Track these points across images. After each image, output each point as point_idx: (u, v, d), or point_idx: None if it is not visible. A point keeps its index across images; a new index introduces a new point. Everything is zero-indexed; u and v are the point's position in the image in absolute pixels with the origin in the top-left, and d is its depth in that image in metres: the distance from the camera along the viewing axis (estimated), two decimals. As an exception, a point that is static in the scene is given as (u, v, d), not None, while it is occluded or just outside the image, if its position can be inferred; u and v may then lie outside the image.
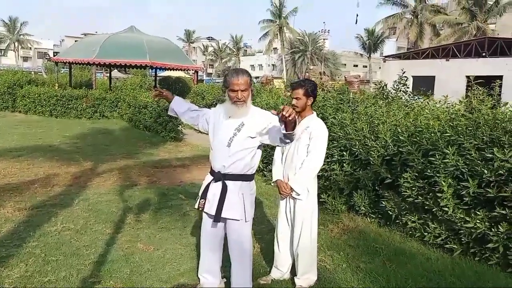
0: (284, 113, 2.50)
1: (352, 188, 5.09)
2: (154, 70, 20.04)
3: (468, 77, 21.07)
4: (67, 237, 4.31)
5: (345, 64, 68.05)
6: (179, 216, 5.10)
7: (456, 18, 35.99)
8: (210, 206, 3.03)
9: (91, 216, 4.98)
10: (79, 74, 25.27)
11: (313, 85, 3.44)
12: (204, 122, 3.20)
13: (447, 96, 5.77)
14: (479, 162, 3.62)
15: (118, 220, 4.90)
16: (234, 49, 77.78)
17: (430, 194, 4.09)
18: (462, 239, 3.89)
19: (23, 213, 4.97)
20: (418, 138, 4.12)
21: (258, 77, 60.85)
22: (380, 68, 58.69)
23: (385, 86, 6.96)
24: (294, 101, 3.40)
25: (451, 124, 3.93)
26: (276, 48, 69.54)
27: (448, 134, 3.83)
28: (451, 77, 19.91)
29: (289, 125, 2.60)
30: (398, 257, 3.96)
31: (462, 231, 3.86)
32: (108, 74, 20.88)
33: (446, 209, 3.89)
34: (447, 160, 3.77)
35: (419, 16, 40.40)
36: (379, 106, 5.40)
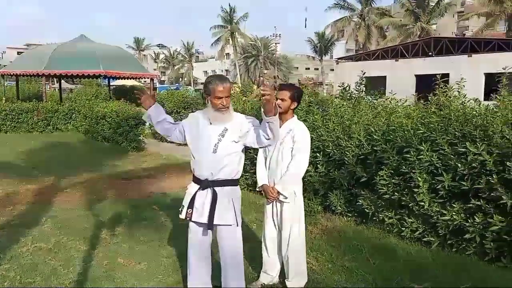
0: (262, 90, 2.65)
1: (327, 188, 5.18)
2: (106, 79, 19.52)
3: (417, 75, 22.02)
4: (41, 257, 4.10)
5: (297, 67, 69.21)
6: (155, 228, 4.98)
7: (400, 20, 37.55)
8: (199, 215, 2.99)
9: (62, 233, 4.76)
10: (26, 87, 24.21)
11: (300, 92, 3.52)
12: (178, 133, 3.16)
13: (394, 94, 6.07)
14: (452, 156, 3.79)
15: (92, 235, 4.72)
16: (186, 56, 77.13)
17: (406, 190, 4.23)
18: (439, 232, 4.04)
19: (-12, 235, 4.69)
20: (392, 136, 4.25)
21: (211, 83, 60.61)
22: (331, 70, 60.28)
23: (348, 87, 7.12)
24: (279, 101, 3.40)
25: (423, 122, 4.09)
26: (228, 53, 69.72)
27: (421, 131, 3.98)
28: (402, 76, 20.68)
29: (269, 109, 2.68)
30: (379, 253, 4.05)
31: (438, 224, 4.01)
32: (54, 86, 20.12)
33: (422, 203, 4.03)
34: (422, 156, 3.91)
35: (366, 19, 41.78)
36: (348, 107, 5.52)
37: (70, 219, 5.31)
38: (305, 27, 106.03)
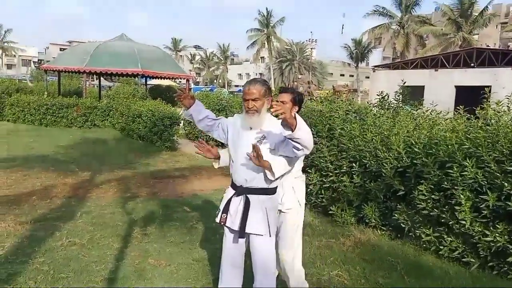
0: (272, 110, 2.55)
1: (362, 200, 5.04)
2: (144, 78, 19.89)
3: (457, 87, 21.39)
4: (74, 252, 4.16)
5: (331, 73, 68.76)
6: (186, 230, 4.98)
7: (442, 29, 36.63)
8: (233, 221, 2.94)
9: (96, 229, 4.84)
10: (68, 83, 24.95)
11: (302, 96, 3.40)
12: (220, 131, 3.12)
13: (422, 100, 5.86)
14: (498, 174, 3.61)
15: (124, 233, 4.76)
16: (221, 58, 77.88)
17: (446, 206, 4.07)
18: (480, 253, 3.86)
19: (25, 227, 4.81)
20: (434, 150, 4.09)
21: (245, 86, 60.94)
22: (366, 77, 59.46)
23: (387, 96, 6.95)
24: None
25: (468, 136, 3.92)
26: (263, 57, 69.91)
27: (466, 146, 3.81)
28: (440, 87, 20.13)
29: (290, 123, 2.55)
30: (415, 271, 3.91)
31: (480, 244, 3.83)
32: (93, 83, 20.62)
33: (464, 222, 3.86)
34: (466, 173, 3.74)
35: (405, 27, 41.00)
36: (387, 117, 5.38)
37: (104, 215, 5.39)
38: (342, 33, 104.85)
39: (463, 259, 4.00)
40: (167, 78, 19.78)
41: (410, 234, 4.53)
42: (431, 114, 5.64)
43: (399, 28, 41.51)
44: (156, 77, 18.85)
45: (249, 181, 2.88)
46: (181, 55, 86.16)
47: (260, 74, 72.96)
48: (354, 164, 5.01)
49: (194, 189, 7.11)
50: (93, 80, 40.62)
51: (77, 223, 5.04)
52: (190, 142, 12.76)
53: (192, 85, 62.63)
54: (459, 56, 21.96)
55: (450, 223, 4.03)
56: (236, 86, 68.72)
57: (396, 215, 4.61)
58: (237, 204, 2.93)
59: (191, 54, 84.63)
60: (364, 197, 5.01)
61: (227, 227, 2.99)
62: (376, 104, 6.79)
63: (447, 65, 22.01)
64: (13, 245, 4.27)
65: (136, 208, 5.80)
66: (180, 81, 33.20)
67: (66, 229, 4.82)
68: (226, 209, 2.97)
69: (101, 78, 22.13)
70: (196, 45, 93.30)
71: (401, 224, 4.57)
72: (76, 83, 25.29)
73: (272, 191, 2.95)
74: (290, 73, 62.82)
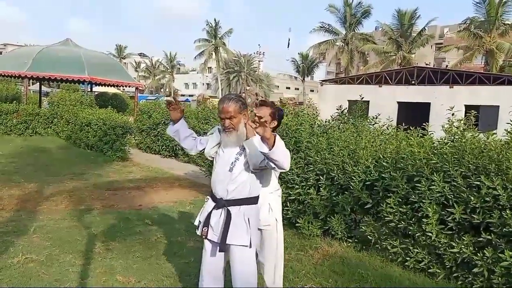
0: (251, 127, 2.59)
1: (328, 212, 5.11)
2: (88, 85, 19.12)
3: (399, 102, 22.42)
4: (33, 270, 3.87)
5: (278, 86, 69.90)
6: (151, 244, 4.80)
7: (383, 47, 38.43)
8: (214, 233, 2.88)
9: (54, 245, 4.54)
10: (4, 88, 23.54)
11: (281, 112, 3.35)
12: (200, 147, 3.06)
13: (378, 114, 6.15)
14: (464, 189, 3.78)
15: (85, 249, 4.50)
16: (167, 66, 76.90)
17: (413, 219, 4.20)
18: (446, 264, 4.01)
19: (-27, 243, 4.42)
20: (402, 164, 4.23)
21: (192, 95, 60.61)
22: (311, 91, 60.96)
23: (345, 110, 7.13)
24: (256, 119, 3.21)
25: (435, 152, 4.09)
26: (211, 67, 69.87)
27: (433, 161, 3.97)
28: (384, 102, 21.03)
29: (267, 136, 2.51)
30: (385, 283, 4.00)
31: (445, 255, 3.99)
32: (30, 88, 19.51)
33: (430, 234, 4.00)
34: (434, 187, 3.89)
35: (349, 44, 42.59)
36: (351, 131, 5.51)
37: (60, 229, 5.08)
38: (288, 47, 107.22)
39: (429, 270, 4.14)
40: (115, 86, 19.21)
41: (377, 246, 4.63)
42: (387, 128, 5.87)
43: (343, 44, 43.04)
44: (104, 84, 18.24)
45: (230, 192, 2.84)
46: (125, 63, 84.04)
47: (207, 84, 72.80)
48: (321, 177, 5.07)
49: (153, 201, 6.89)
50: (29, 86, 38.50)
51: (32, 239, 4.70)
52: (141, 152, 12.42)
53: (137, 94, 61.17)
54: (401, 73, 23.10)
55: (417, 235, 4.16)
56: (183, 95, 68.00)
57: (363, 227, 4.71)
58: (218, 216, 2.89)
59: (136, 62, 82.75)
60: (330, 209, 5.08)
61: (208, 239, 2.92)
62: (335, 118, 6.94)
63: (390, 82, 23.07)
64: (-38, 264, 3.91)
65: (94, 221, 5.51)
66: (123, 89, 32.25)
67: (20, 244, 4.48)
68: (207, 222, 2.90)
69: (38, 83, 21.08)
70: (141, 53, 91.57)
71: (368, 236, 4.67)
72: (14, 88, 23.92)
73: (253, 200, 2.91)
74: (238, 84, 63.18)
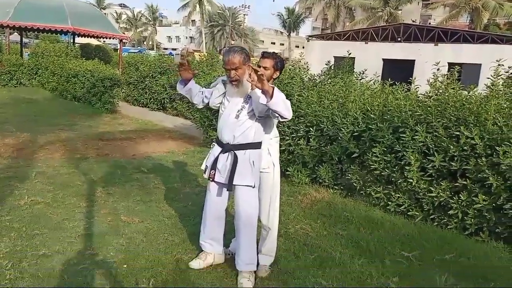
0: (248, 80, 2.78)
1: (317, 161, 5.41)
2: (70, 36, 18.67)
3: (384, 59, 22.47)
4: (42, 211, 4.11)
5: (263, 41, 68.95)
6: (149, 190, 5.05)
7: (370, 3, 38.05)
8: (221, 176, 3.13)
9: (57, 189, 4.76)
10: (-17, 37, 22.85)
11: (283, 61, 3.47)
12: (204, 98, 3.26)
13: (364, 70, 6.41)
14: (445, 138, 4.09)
15: (87, 193, 4.74)
16: (150, 19, 74.80)
17: (396, 167, 4.53)
18: (424, 207, 4.38)
19: (-22, 186, 4.61)
20: (389, 116, 4.51)
21: (175, 49, 59.55)
22: (296, 47, 60.40)
23: (333, 66, 7.32)
24: (261, 70, 3.18)
25: (420, 105, 4.36)
26: (194, 20, 68.29)
27: (418, 113, 4.25)
28: (370, 59, 21.14)
29: (266, 89, 2.72)
30: (369, 224, 4.35)
31: (424, 199, 4.35)
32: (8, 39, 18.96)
33: (411, 180, 4.34)
34: (417, 137, 4.19)
35: (336, -1, 42.03)
36: (341, 85, 5.73)
37: (61, 175, 5.29)
38: (273, 0, 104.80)
39: (408, 213, 4.51)
40: (99, 37, 18.84)
41: (361, 192, 4.97)
42: (373, 84, 6.13)
43: (330, -1, 42.45)
44: (87, 36, 17.89)
45: (236, 137, 3.06)
46: (105, 13, 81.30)
47: (191, 37, 71.37)
48: (311, 129, 5.33)
49: (146, 151, 7.09)
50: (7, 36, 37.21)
51: (34, 183, 4.91)
52: (128, 105, 12.46)
53: (119, 46, 59.78)
54: (387, 30, 23.14)
55: (399, 181, 4.50)
56: (165, 49, 66.69)
57: (349, 175, 5.03)
58: (225, 160, 3.12)
59: (116, 13, 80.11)
60: (319, 159, 5.38)
61: (214, 181, 3.17)
62: (324, 73, 7.13)
63: (376, 39, 23.13)
64: (-29, 205, 4.12)
65: (92, 168, 5.72)
66: (104, 41, 31.45)
67: (24, 188, 4.69)
68: (214, 166, 3.14)
69: (16, 33, 20.45)
70: (121, 4, 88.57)
71: (353, 184, 5.00)
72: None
73: (258, 145, 3.14)
74: (222, 38, 62.10)
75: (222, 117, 3.16)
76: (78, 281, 2.94)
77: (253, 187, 3.10)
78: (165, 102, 11.57)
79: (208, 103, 3.26)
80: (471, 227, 4.06)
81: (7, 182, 4.86)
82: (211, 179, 3.17)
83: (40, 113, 9.95)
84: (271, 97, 2.74)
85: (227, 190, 3.15)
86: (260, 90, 2.81)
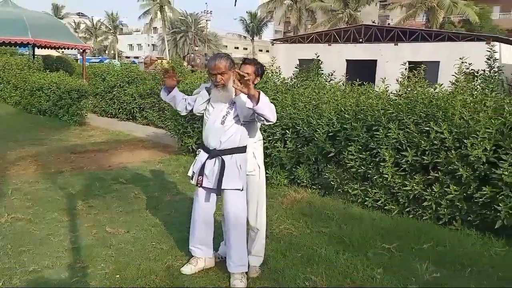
0: (234, 86, 2.85)
1: (294, 163, 5.55)
2: (30, 48, 18.18)
3: (347, 60, 23.00)
4: (24, 227, 4.06)
5: (226, 46, 69.07)
6: (130, 200, 5.05)
7: (331, 5, 38.85)
8: (209, 181, 3.21)
9: (36, 205, 4.69)
10: None
11: (263, 67, 3.60)
12: (187, 105, 3.34)
13: (333, 72, 6.73)
14: (416, 134, 4.31)
15: (68, 207, 4.70)
16: (110, 27, 73.56)
17: (372, 164, 4.72)
18: (400, 201, 4.59)
19: (-47, 207, 4.50)
20: (362, 115, 4.70)
21: (137, 57, 58.84)
22: (259, 50, 60.89)
23: (304, 69, 7.51)
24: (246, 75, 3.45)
25: (391, 103, 4.57)
26: (156, 27, 67.72)
27: (390, 111, 4.46)
28: (333, 61, 21.59)
29: (252, 94, 2.81)
30: (349, 220, 4.51)
31: (399, 193, 4.55)
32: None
33: (386, 176, 4.54)
34: (390, 134, 4.40)
35: (297, 1, 42.62)
36: (312, 88, 5.91)
37: (37, 191, 5.21)
38: (235, 5, 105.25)
39: (385, 207, 4.70)
40: (60, 48, 18.44)
41: (339, 190, 5.15)
42: (343, 85, 6.36)
43: (292, 2, 43.01)
44: (48, 47, 17.48)
45: (223, 142, 3.15)
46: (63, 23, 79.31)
47: (153, 45, 70.66)
48: (287, 131, 5.47)
49: (121, 162, 7.05)
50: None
51: (12, 200, 4.83)
52: (96, 116, 12.27)
53: (79, 56, 58.50)
54: (349, 32, 23.73)
55: (375, 177, 4.70)
56: (127, 57, 65.78)
57: (326, 174, 5.19)
58: (212, 165, 3.20)
59: (75, 22, 78.35)
60: (296, 160, 5.52)
61: (202, 187, 3.24)
62: (296, 76, 7.31)
63: (339, 40, 23.67)
64: (-51, 226, 4.02)
65: (68, 182, 5.66)
66: (63, 51, 30.67)
67: (1, 206, 4.61)
68: (201, 172, 3.21)
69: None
70: (79, 13, 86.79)
71: (331, 182, 5.17)
72: None
73: (243, 149, 3.24)
74: (185, 45, 61.89)
75: (207, 124, 3.23)
76: (73, 294, 2.94)
77: (241, 190, 3.19)
78: (135, 111, 11.47)
79: (192, 109, 3.33)
80: (445, 216, 4.29)
81: (-17, 200, 4.76)
82: (199, 185, 3.23)
83: (6, 128, 9.70)
84: (257, 101, 2.84)
85: (216, 195, 3.22)
86: (246, 95, 2.91)
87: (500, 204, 3.77)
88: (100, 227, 4.17)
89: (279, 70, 6.65)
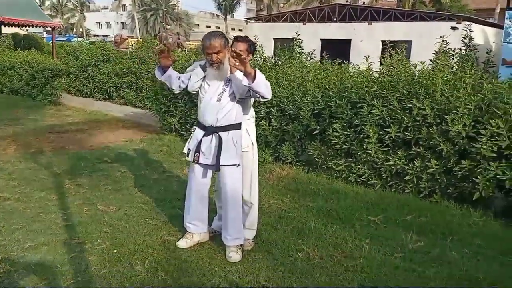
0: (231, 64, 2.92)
1: (279, 140, 5.66)
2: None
3: (322, 39, 22.97)
4: (13, 206, 4.04)
5: (198, 25, 67.95)
6: (117, 178, 5.06)
7: (304, -17, 38.65)
8: (205, 157, 3.27)
9: (22, 184, 4.65)
10: None
11: (254, 44, 3.67)
12: (181, 83, 3.37)
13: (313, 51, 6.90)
14: (399, 111, 4.47)
15: (55, 186, 4.68)
16: (77, 4, 71.09)
17: (356, 140, 4.87)
18: (383, 175, 4.77)
19: None
20: (347, 93, 4.82)
21: (106, 35, 57.25)
22: (232, 29, 60.23)
23: (285, 49, 7.58)
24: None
25: (375, 81, 4.71)
26: (125, 5, 65.92)
27: (374, 89, 4.59)
28: (309, 40, 21.64)
29: (248, 71, 2.91)
30: (334, 195, 4.67)
31: (382, 168, 4.73)
32: None
33: (370, 151, 4.71)
34: (374, 111, 4.54)
35: (270, -20, 42.28)
36: (296, 67, 5.98)
37: (22, 170, 5.15)
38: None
39: (369, 182, 4.88)
40: (29, 26, 17.83)
41: (323, 166, 5.29)
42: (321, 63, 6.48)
43: (264, -19, 42.61)
44: (16, 25, 16.88)
45: (219, 119, 3.20)
46: (27, 0, 76.13)
47: (123, 23, 68.81)
48: (272, 109, 5.55)
49: (102, 141, 7.00)
50: None
51: (-5, 180, 4.76)
52: (71, 96, 12.02)
53: (45, 35, 56.44)
54: (323, 11, 23.74)
55: (358, 153, 4.86)
56: (96, 35, 63.88)
57: (311, 151, 5.32)
58: (209, 142, 3.26)
59: (40, -1, 75.32)
60: (281, 138, 5.63)
61: (199, 164, 3.30)
62: (277, 55, 7.37)
63: (314, 19, 23.68)
64: None
65: (52, 162, 5.60)
66: (27, 30, 29.61)
67: (-14, 186, 4.55)
68: (198, 149, 3.26)
69: None
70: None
71: (315, 159, 5.30)
72: None
73: (239, 126, 3.31)
74: (156, 23, 60.51)
75: (203, 101, 3.27)
76: (74, 268, 2.98)
77: (237, 166, 3.27)
78: (111, 91, 11.31)
79: (186, 87, 3.36)
80: (425, 190, 4.50)
81: (-34, 181, 4.68)
82: (195, 162, 3.29)
83: (-23, 108, 9.41)
84: (254, 79, 2.90)
85: (215, 171, 3.28)
86: (242, 73, 2.97)
87: (478, 177, 3.99)
88: (91, 204, 4.18)
89: (262, 49, 6.67)
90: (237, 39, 3.51)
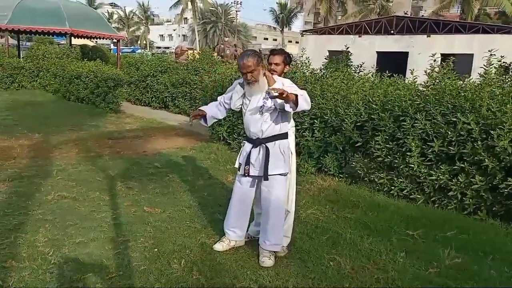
0: (275, 93, 3.01)
1: (322, 152, 5.72)
2: (68, 37, 18.82)
3: (378, 52, 22.70)
4: (69, 204, 4.40)
5: (255, 37, 69.15)
6: (165, 183, 5.34)
7: (362, -4, 38.33)
8: (255, 169, 3.41)
9: (79, 185, 5.04)
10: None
11: (290, 56, 3.78)
12: (229, 102, 3.56)
13: (362, 63, 6.84)
14: (443, 125, 4.41)
15: (108, 188, 5.02)
16: (142, 17, 74.71)
17: (398, 153, 4.84)
18: (425, 190, 4.70)
19: (6, 184, 4.89)
20: (390, 106, 4.81)
21: (168, 47, 59.65)
22: (289, 41, 60.69)
23: (334, 60, 7.63)
24: (273, 66, 3.62)
25: (419, 94, 4.67)
26: (186, 18, 68.32)
27: (417, 102, 4.56)
28: (364, 52, 21.44)
29: (288, 102, 3.08)
30: (374, 208, 4.66)
31: (425, 183, 4.66)
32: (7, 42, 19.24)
33: (412, 165, 4.66)
34: (417, 124, 4.50)
35: (328, -8, 42.22)
36: (341, 79, 6.03)
37: (80, 172, 5.56)
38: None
39: (411, 196, 4.82)
40: (96, 38, 19.01)
41: (365, 179, 5.29)
42: (372, 76, 6.45)
43: (322, -7, 42.63)
44: (85, 37, 18.06)
45: (264, 131, 3.35)
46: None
47: (184, 35, 71.42)
48: (315, 121, 5.64)
49: (155, 148, 7.37)
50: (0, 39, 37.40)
51: (57, 180, 5.19)
52: (131, 104, 12.71)
53: (112, 46, 59.71)
54: (380, 23, 23.45)
55: (401, 167, 4.82)
56: (158, 47, 66.77)
57: (353, 163, 5.34)
58: (257, 153, 3.40)
59: (108, 12, 79.82)
60: (324, 149, 5.69)
61: (250, 176, 3.44)
62: (325, 67, 7.44)
63: (370, 32, 23.43)
64: (3, 201, 4.39)
65: (108, 165, 6.00)
66: (97, 41, 31.50)
67: (48, 185, 4.97)
68: (248, 161, 3.42)
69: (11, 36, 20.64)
70: (112, 3, 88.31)
71: (358, 171, 5.31)
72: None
73: (285, 135, 3.45)
74: (215, 35, 62.27)
75: (246, 116, 3.44)
76: (117, 263, 3.23)
77: (285, 175, 3.41)
78: (167, 100, 11.83)
79: (230, 107, 3.56)
80: (470, 206, 4.38)
81: (32, 179, 5.14)
82: (246, 175, 3.43)
83: (47, 115, 10.18)
84: (296, 104, 3.05)
85: (264, 180, 3.40)
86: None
87: (525, 195, 3.85)
88: (139, 206, 4.47)
89: (309, 61, 6.78)
90: (273, 52, 3.66)
